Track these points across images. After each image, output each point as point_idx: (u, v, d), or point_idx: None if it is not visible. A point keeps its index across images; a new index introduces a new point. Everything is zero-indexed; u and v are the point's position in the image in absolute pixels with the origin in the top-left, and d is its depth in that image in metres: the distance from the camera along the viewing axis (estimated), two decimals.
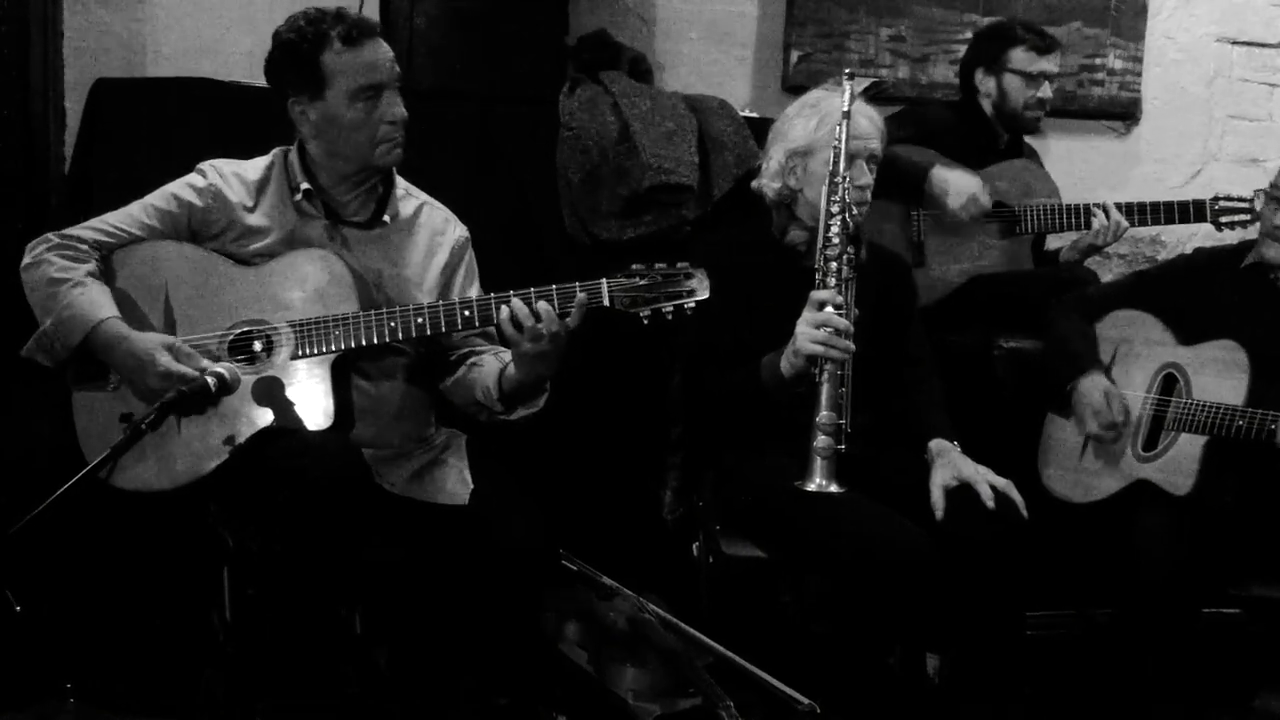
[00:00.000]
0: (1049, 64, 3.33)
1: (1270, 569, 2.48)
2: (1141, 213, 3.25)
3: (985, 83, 3.34)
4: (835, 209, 2.30)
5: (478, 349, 2.37)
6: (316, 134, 2.27)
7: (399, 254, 2.34)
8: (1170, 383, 2.66)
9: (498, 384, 2.26)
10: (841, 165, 2.30)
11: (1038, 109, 3.34)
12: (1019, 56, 3.30)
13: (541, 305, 2.09)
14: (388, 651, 2.37)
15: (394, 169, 2.36)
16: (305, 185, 2.28)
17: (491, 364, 2.30)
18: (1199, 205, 3.23)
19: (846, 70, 2.36)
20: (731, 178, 3.16)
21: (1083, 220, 3.26)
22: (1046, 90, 3.33)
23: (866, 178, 2.46)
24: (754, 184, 2.58)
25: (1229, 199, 3.22)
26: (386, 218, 2.34)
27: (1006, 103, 3.33)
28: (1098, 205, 3.24)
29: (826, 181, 2.32)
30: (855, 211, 2.35)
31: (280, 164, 2.33)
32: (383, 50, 2.24)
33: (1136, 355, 2.71)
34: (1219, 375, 2.55)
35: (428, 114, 3.05)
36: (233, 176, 2.30)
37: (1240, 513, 2.47)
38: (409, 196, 2.41)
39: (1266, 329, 2.57)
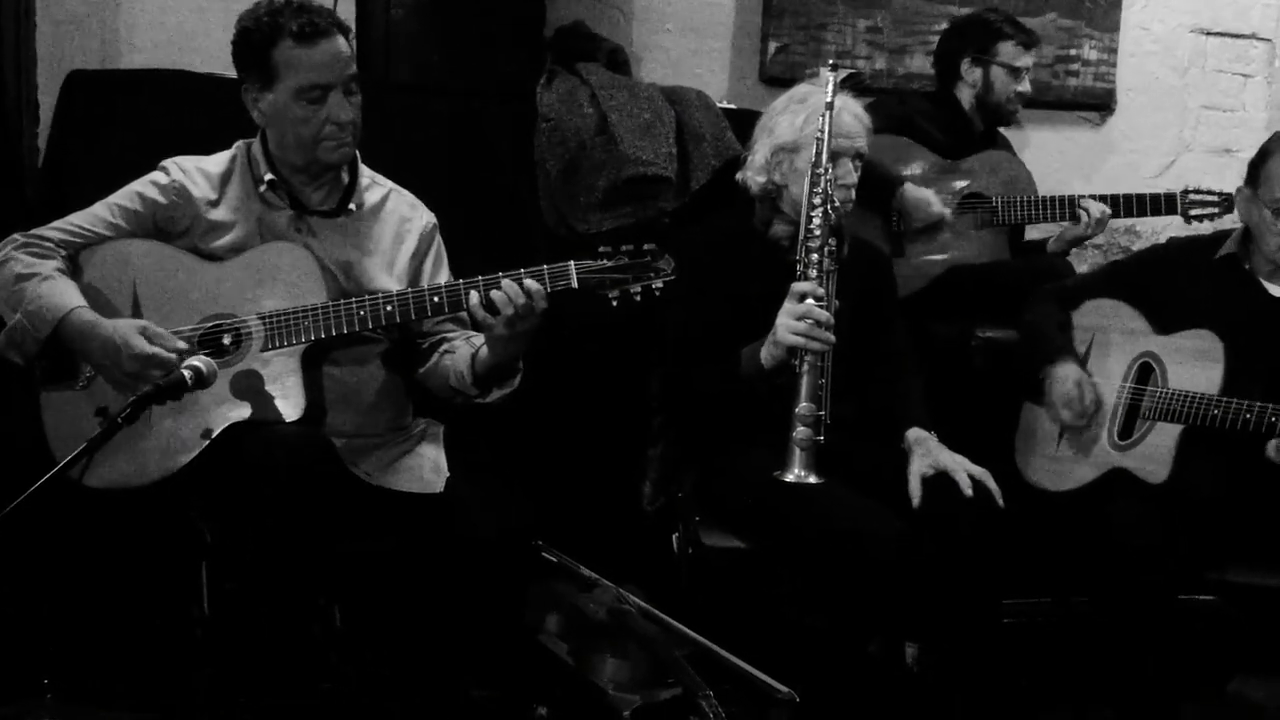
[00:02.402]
0: (1032, 59, 3.39)
1: (1246, 555, 2.50)
2: (1114, 205, 3.30)
3: (971, 72, 3.37)
4: (817, 201, 2.31)
5: (449, 335, 2.38)
6: (265, 123, 2.28)
7: (366, 242, 2.34)
8: (1146, 371, 2.67)
9: (470, 368, 2.27)
10: (824, 157, 2.31)
11: (1018, 102, 3.39)
12: (1007, 50, 3.35)
13: (530, 283, 2.10)
14: (366, 643, 2.37)
15: (358, 158, 2.36)
16: (269, 176, 2.28)
17: (463, 349, 2.31)
18: (1170, 197, 3.28)
19: (830, 61, 2.36)
20: (710, 169, 3.17)
21: (1057, 212, 3.31)
22: (1027, 84, 3.38)
23: (851, 176, 2.47)
24: (739, 176, 2.58)
25: (1199, 192, 3.28)
26: (352, 206, 2.34)
27: (991, 94, 3.36)
28: (1083, 201, 3.28)
29: (809, 173, 2.32)
30: (838, 205, 2.35)
31: (243, 156, 2.33)
32: (336, 50, 2.21)
33: (1112, 344, 2.72)
34: (1194, 364, 2.57)
35: (405, 105, 3.07)
36: (196, 172, 2.30)
37: (1216, 500, 2.49)
38: (375, 185, 2.41)
39: (1241, 318, 2.58)
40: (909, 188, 3.15)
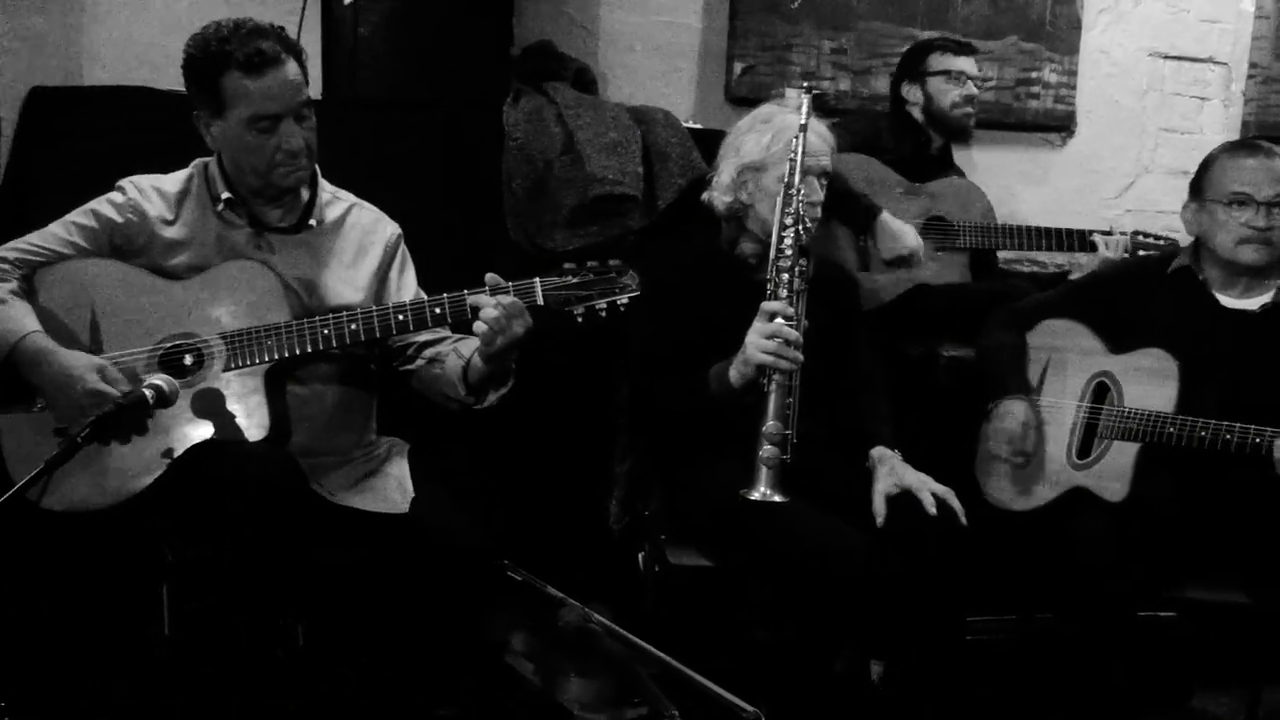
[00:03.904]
0: (967, 64, 3.44)
1: (1204, 572, 2.52)
2: (1027, 238, 3.38)
3: (912, 92, 3.44)
4: (789, 221, 2.32)
5: (431, 341, 2.37)
6: (218, 148, 2.27)
7: (328, 257, 2.33)
8: (1102, 391, 2.69)
9: (463, 380, 2.28)
10: (797, 178, 2.33)
11: (965, 106, 3.44)
12: (937, 59, 3.43)
13: (508, 298, 2.11)
14: (331, 663, 2.35)
15: (318, 173, 2.35)
16: (226, 195, 2.27)
17: (453, 362, 2.31)
18: (1080, 234, 3.38)
19: (804, 83, 2.38)
20: (676, 188, 3.18)
21: (1014, 241, 3.39)
22: (971, 88, 3.44)
23: (818, 194, 2.49)
24: (704, 196, 2.60)
25: (1147, 235, 3.35)
26: (313, 222, 2.33)
27: (934, 104, 3.43)
28: (1094, 236, 3.36)
29: (781, 194, 2.34)
30: (808, 224, 2.37)
31: (201, 175, 2.32)
32: (286, 78, 2.18)
33: (1069, 364, 2.75)
34: (1149, 383, 2.59)
35: (371, 122, 3.07)
36: (151, 191, 2.28)
37: (1174, 518, 2.51)
38: (336, 200, 2.40)
39: (1195, 331, 2.61)
40: (888, 219, 3.17)
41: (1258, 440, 2.39)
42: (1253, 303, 2.63)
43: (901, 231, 3.15)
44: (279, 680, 2.26)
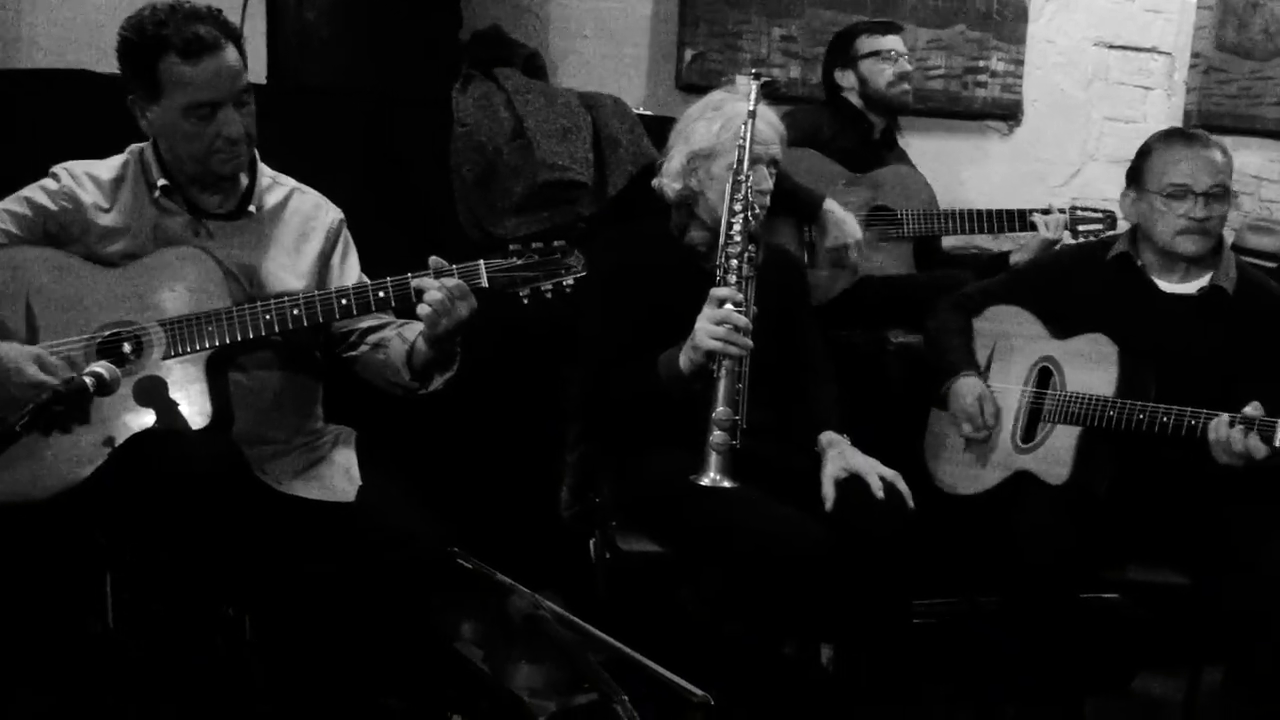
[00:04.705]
0: (895, 42, 3.46)
1: (1145, 554, 2.56)
2: (968, 221, 3.41)
3: (845, 78, 3.46)
4: (738, 207, 2.32)
5: (375, 326, 2.35)
6: (154, 133, 2.23)
7: (268, 244, 2.29)
8: (1046, 375, 2.72)
9: (407, 365, 2.26)
10: (745, 165, 2.33)
11: (901, 83, 3.46)
12: (864, 42, 3.45)
13: (452, 280, 2.10)
14: (278, 653, 2.33)
15: (257, 158, 2.32)
16: (163, 182, 2.23)
17: (397, 347, 2.29)
18: (1020, 214, 3.41)
19: (753, 70, 2.38)
20: (626, 175, 3.17)
21: (957, 226, 3.42)
22: (903, 64, 3.45)
23: (767, 183, 2.49)
24: (655, 183, 2.60)
25: (1085, 209, 3.41)
26: (252, 208, 2.29)
27: (869, 86, 3.44)
28: (1034, 215, 3.39)
29: (729, 180, 2.34)
30: (757, 211, 2.38)
31: (136, 161, 2.27)
32: (225, 65, 2.13)
33: (1013, 349, 2.78)
34: (1090, 367, 2.62)
35: (318, 108, 3.03)
36: (86, 177, 2.24)
37: (1115, 500, 2.55)
38: (276, 185, 2.36)
39: (1134, 315, 2.64)
40: (833, 207, 3.18)
41: (1193, 422, 2.43)
42: (1190, 287, 2.67)
43: (845, 220, 3.17)
44: (225, 671, 2.24)
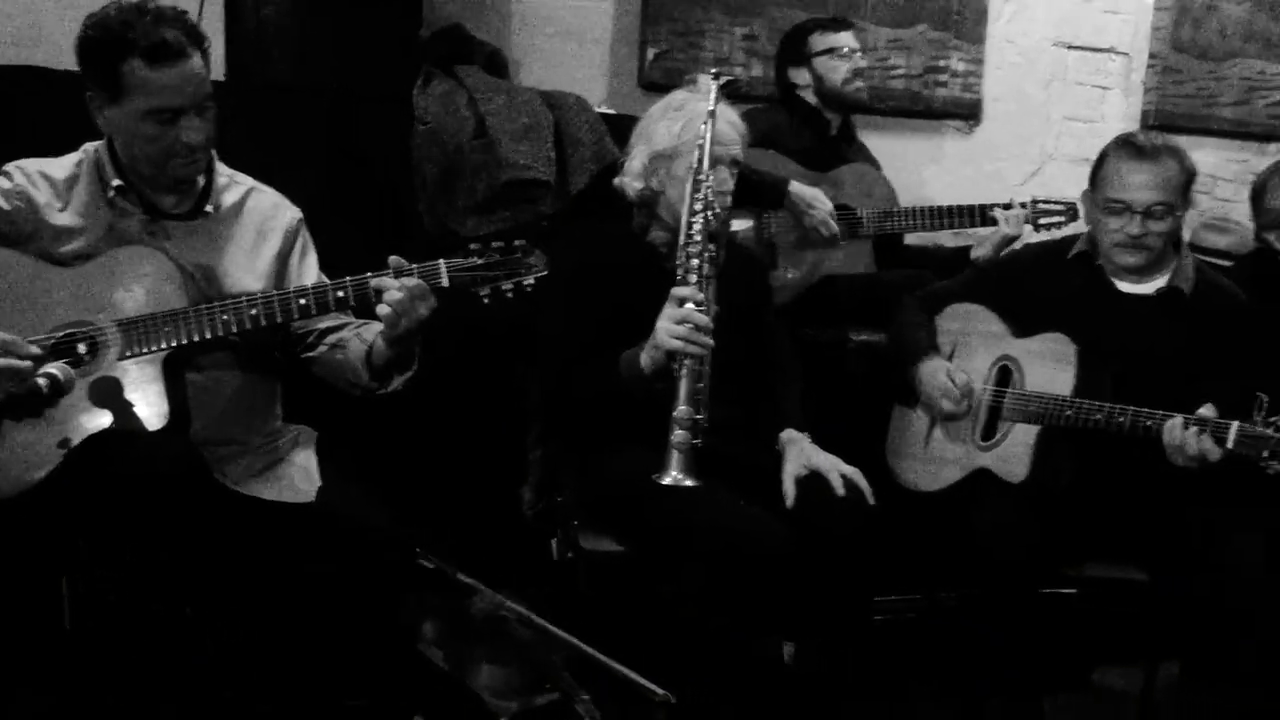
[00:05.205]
0: (848, 39, 3.48)
1: (1103, 550, 2.58)
2: (930, 217, 3.43)
3: (799, 75, 3.49)
4: (698, 207, 2.33)
5: (334, 326, 2.34)
6: (111, 132, 2.20)
7: (226, 244, 2.27)
8: (1006, 374, 2.74)
9: (366, 365, 2.25)
10: (706, 164, 2.33)
11: (856, 80, 3.49)
12: (817, 39, 3.48)
13: (412, 280, 2.09)
14: (238, 653, 2.32)
15: (215, 157, 2.29)
16: (117, 182, 2.20)
17: (356, 347, 2.28)
18: (981, 209, 3.43)
19: (712, 70, 2.38)
20: (588, 174, 3.17)
21: (918, 222, 3.44)
22: (857, 60, 3.48)
23: (728, 183, 2.50)
24: (616, 182, 2.60)
25: (1046, 201, 3.43)
26: (209, 208, 2.27)
27: (825, 84, 3.47)
28: (994, 210, 3.41)
29: (690, 181, 2.34)
30: (718, 211, 2.38)
31: (90, 160, 2.24)
32: (190, 72, 2.11)
33: (974, 348, 2.79)
34: (1049, 366, 2.64)
35: (277, 105, 3.01)
36: (39, 176, 2.21)
37: (1072, 498, 2.57)
38: (234, 184, 2.34)
39: (1093, 315, 2.66)
40: (798, 186, 3.20)
41: (1149, 424, 2.44)
42: (1149, 287, 2.69)
43: (815, 196, 3.18)
44: (185, 673, 2.23)
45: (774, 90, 3.69)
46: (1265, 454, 2.32)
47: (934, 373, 2.74)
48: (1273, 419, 2.32)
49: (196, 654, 2.27)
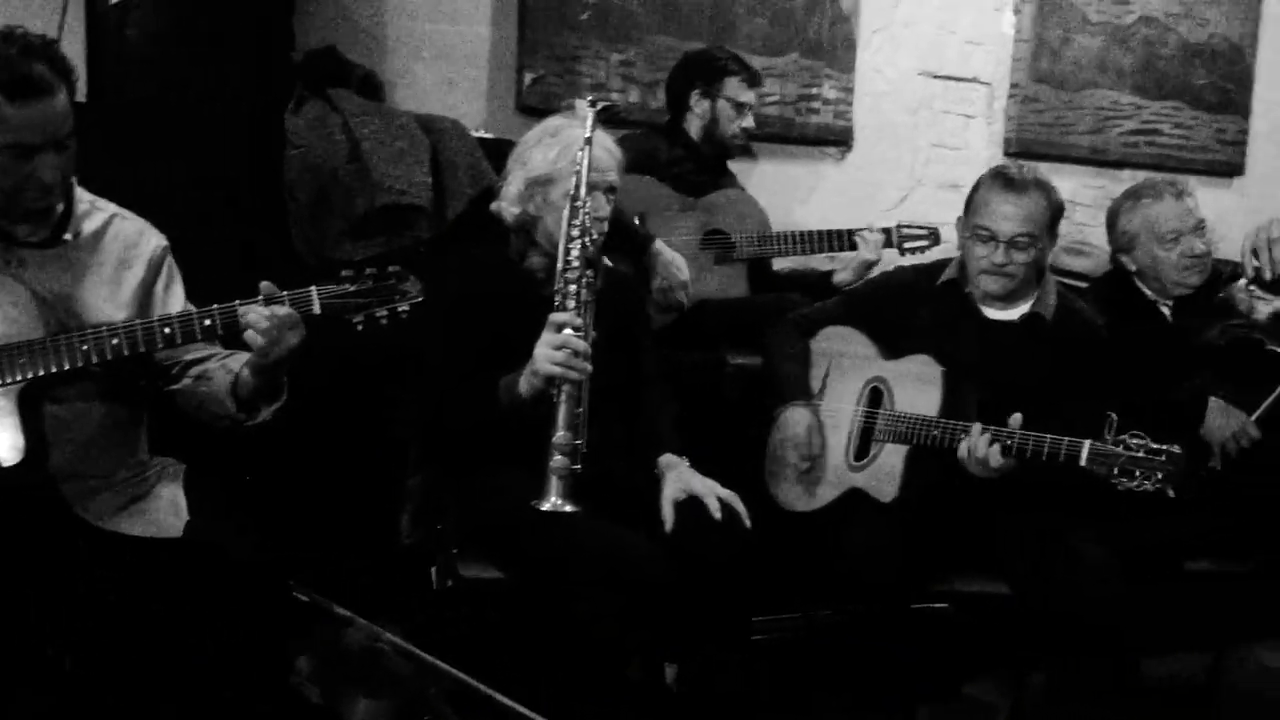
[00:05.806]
0: (753, 97, 3.58)
1: (971, 565, 2.66)
2: (800, 241, 3.53)
3: (700, 104, 3.54)
4: (576, 233, 2.33)
5: (200, 357, 2.27)
6: None
7: (86, 272, 2.19)
8: (877, 395, 2.81)
9: (232, 395, 2.19)
10: (583, 190, 2.34)
11: (743, 137, 3.60)
12: (733, 85, 3.53)
13: (280, 309, 2.05)
14: (103, 693, 2.24)
15: (75, 184, 2.21)
16: None
17: (221, 378, 2.22)
18: (847, 234, 3.55)
19: (589, 97, 2.40)
20: (465, 199, 3.16)
21: (788, 247, 3.53)
22: (750, 120, 3.58)
23: (605, 210, 2.51)
24: (493, 206, 2.59)
25: (910, 226, 3.56)
26: (68, 235, 2.19)
27: (717, 128, 3.54)
28: (859, 233, 3.51)
29: (567, 206, 2.35)
30: (595, 237, 2.39)
31: None
32: (52, 111, 2.02)
33: (847, 369, 2.85)
34: (917, 388, 2.71)
35: (141, 127, 2.92)
36: None
37: (941, 515, 2.63)
38: (95, 210, 2.26)
39: (959, 340, 2.74)
40: (661, 247, 3.19)
41: (1008, 442, 2.51)
42: (1013, 314, 2.78)
43: (673, 260, 3.18)
44: (49, 714, 2.14)
45: (651, 115, 3.73)
46: (1115, 470, 2.42)
47: (798, 423, 2.78)
48: (1121, 437, 2.43)
49: (61, 695, 2.19)
